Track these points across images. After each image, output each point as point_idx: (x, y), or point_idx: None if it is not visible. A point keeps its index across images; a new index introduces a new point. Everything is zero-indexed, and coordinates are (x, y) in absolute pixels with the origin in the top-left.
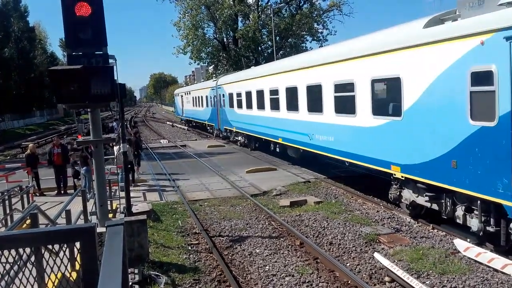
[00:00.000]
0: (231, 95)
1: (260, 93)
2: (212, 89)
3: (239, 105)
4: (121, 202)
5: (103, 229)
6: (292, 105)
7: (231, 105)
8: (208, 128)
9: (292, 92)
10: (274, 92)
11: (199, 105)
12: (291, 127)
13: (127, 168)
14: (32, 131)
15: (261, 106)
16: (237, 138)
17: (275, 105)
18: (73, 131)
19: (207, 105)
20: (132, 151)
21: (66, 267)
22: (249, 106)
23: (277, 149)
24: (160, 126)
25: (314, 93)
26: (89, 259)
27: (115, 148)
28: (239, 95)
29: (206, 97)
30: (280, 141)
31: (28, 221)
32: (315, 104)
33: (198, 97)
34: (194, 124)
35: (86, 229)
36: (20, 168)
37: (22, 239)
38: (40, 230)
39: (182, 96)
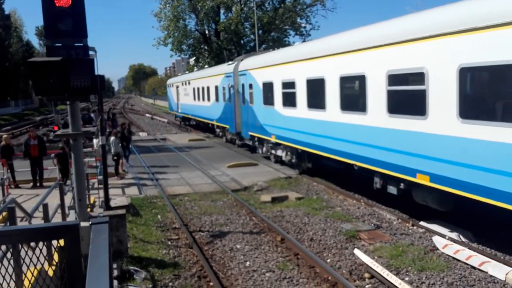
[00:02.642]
0: (268, 85)
1: (349, 81)
2: (228, 77)
3: (288, 102)
4: (100, 195)
5: (82, 224)
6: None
7: (269, 101)
8: (218, 130)
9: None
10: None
11: (203, 99)
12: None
13: (106, 162)
14: (7, 121)
15: (351, 105)
16: (274, 152)
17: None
18: (49, 122)
19: (216, 99)
20: (118, 143)
21: (42, 264)
22: (314, 103)
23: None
24: (139, 118)
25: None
26: (73, 255)
27: (95, 141)
28: (287, 85)
29: (216, 88)
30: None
31: (3, 214)
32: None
33: (203, 88)
34: (194, 123)
35: (70, 227)
36: None
37: (8, 236)
38: (26, 227)
39: (177, 86)
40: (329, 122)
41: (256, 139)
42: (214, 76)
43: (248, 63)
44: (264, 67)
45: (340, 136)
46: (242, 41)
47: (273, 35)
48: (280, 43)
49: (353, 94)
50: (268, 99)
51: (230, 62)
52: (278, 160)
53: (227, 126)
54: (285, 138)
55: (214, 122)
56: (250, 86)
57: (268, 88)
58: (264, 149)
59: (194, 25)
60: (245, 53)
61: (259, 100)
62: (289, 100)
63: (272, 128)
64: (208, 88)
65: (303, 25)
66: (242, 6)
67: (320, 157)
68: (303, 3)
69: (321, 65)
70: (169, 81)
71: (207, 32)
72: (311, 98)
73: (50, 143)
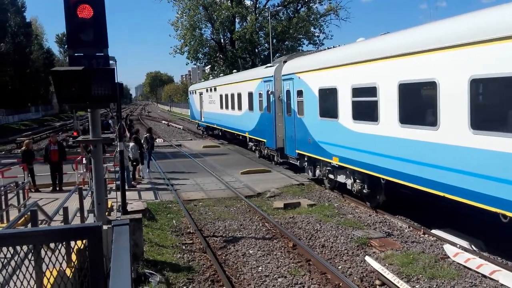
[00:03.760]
0: (329, 92)
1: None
2: (266, 81)
3: (363, 114)
4: (118, 200)
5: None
6: None
7: (329, 113)
8: (251, 144)
9: None
10: None
11: (232, 107)
12: None
13: (123, 167)
14: (27, 126)
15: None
16: (333, 176)
17: None
18: (68, 127)
19: (250, 108)
20: (138, 149)
21: (61, 264)
22: (414, 118)
23: None
24: (156, 125)
25: None
26: (95, 255)
27: (131, 145)
28: (362, 92)
29: (250, 95)
30: None
31: (25, 216)
32: None
33: (232, 95)
34: (219, 133)
35: (94, 228)
36: (16, 164)
37: (35, 236)
38: (51, 228)
39: (201, 93)
40: (442, 145)
41: (305, 158)
42: (248, 81)
43: (296, 64)
44: (322, 69)
45: (467, 168)
46: (256, 50)
47: (287, 44)
48: (294, 51)
49: (497, 105)
50: (328, 110)
51: (269, 65)
52: (335, 186)
53: (264, 140)
54: (355, 161)
55: (247, 135)
56: (299, 93)
57: (328, 95)
58: (317, 171)
59: (210, 34)
60: (260, 62)
61: (313, 110)
62: (365, 112)
63: (333, 148)
64: (239, 95)
65: (316, 34)
66: (257, 15)
67: (399, 186)
68: (317, 13)
69: (430, 62)
70: (192, 87)
71: (222, 41)
72: (407, 110)
73: (69, 148)
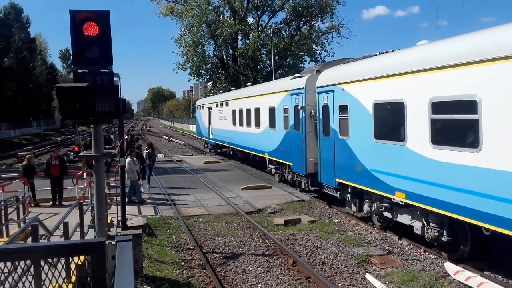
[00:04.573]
0: (391, 108)
1: None
2: (294, 95)
3: (450, 138)
4: (118, 215)
5: None
6: None
7: (391, 135)
8: (271, 167)
9: None
10: None
11: (248, 124)
12: None
13: (124, 182)
14: (29, 141)
15: None
16: (392, 216)
17: None
18: (69, 142)
19: (271, 125)
20: (134, 164)
21: (57, 280)
22: None
23: None
24: (157, 140)
25: None
26: (98, 271)
27: (126, 161)
28: (450, 107)
29: (272, 110)
30: None
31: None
32: None
33: (248, 110)
34: (229, 151)
35: (97, 244)
36: (17, 178)
37: (37, 251)
38: (53, 243)
39: (210, 108)
40: None
41: (349, 189)
42: (269, 95)
43: (337, 74)
44: (379, 78)
45: None
46: (258, 67)
47: (289, 61)
48: (295, 69)
49: None
50: (389, 130)
51: (296, 75)
52: (388, 226)
53: (289, 163)
54: (433, 200)
55: (266, 156)
56: (342, 108)
57: (388, 112)
58: (365, 207)
59: (213, 50)
60: (261, 79)
61: (365, 131)
62: (454, 134)
63: (395, 179)
64: (257, 110)
65: (318, 51)
66: (259, 33)
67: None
68: (318, 31)
69: None
70: (199, 102)
71: (225, 57)
72: None
73: (70, 163)
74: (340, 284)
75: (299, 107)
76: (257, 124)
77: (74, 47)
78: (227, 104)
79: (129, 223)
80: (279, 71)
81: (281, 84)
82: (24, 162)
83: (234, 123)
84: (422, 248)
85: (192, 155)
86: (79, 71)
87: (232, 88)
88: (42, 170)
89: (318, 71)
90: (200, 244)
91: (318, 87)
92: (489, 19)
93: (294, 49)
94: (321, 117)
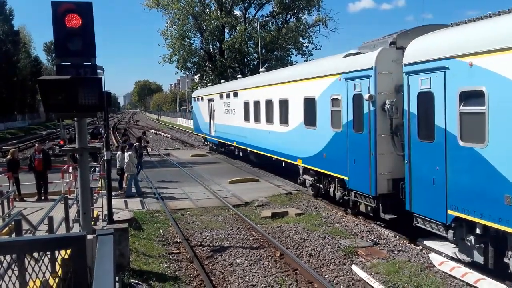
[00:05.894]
0: None
1: None
2: (350, 79)
3: None
4: (104, 209)
5: (88, 236)
6: None
7: None
8: (306, 177)
9: None
10: None
11: (268, 120)
12: None
13: (110, 176)
14: (13, 135)
15: None
16: None
17: None
18: (55, 136)
19: (307, 123)
20: (124, 158)
21: (44, 274)
22: None
23: None
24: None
25: None
26: (79, 265)
27: (126, 154)
28: None
29: (310, 101)
30: None
31: (10, 226)
32: None
33: (267, 102)
34: (238, 153)
35: (77, 238)
36: (1, 173)
37: (18, 245)
38: (35, 237)
39: (211, 100)
40: None
41: (477, 230)
42: (304, 81)
43: (459, 39)
44: None
45: None
46: (245, 60)
47: (276, 54)
48: (282, 61)
49: None
50: None
51: (352, 51)
52: None
53: (342, 177)
54: None
55: (299, 163)
56: (468, 96)
57: None
58: None
59: (199, 43)
60: (248, 72)
61: None
62: None
63: None
64: (283, 102)
65: (305, 44)
66: (246, 25)
67: None
68: (305, 24)
69: None
70: (197, 93)
71: (211, 50)
72: None
73: (56, 157)
74: (326, 276)
75: (366, 96)
76: (284, 121)
77: (56, 39)
78: (235, 94)
79: (115, 217)
80: (266, 64)
81: (325, 65)
82: (8, 157)
83: (247, 119)
84: (408, 239)
85: (179, 148)
86: (62, 63)
87: (222, 80)
88: (26, 164)
89: (393, 43)
90: (187, 238)
91: (408, 65)
92: (474, 12)
93: (281, 42)
94: (413, 111)
